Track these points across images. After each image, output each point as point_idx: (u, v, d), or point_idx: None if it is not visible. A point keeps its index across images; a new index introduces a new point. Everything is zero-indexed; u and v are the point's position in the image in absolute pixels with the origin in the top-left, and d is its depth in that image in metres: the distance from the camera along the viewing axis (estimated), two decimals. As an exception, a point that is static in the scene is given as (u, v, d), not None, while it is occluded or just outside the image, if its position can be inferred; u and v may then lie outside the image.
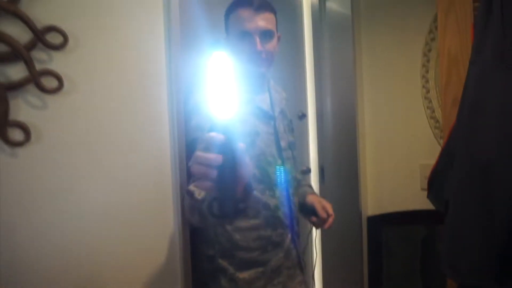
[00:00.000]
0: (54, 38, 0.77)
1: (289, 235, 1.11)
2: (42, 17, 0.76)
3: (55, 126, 0.78)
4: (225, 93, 0.59)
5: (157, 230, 0.98)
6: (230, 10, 1.05)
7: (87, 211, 0.83)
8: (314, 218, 1.17)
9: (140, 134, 0.93)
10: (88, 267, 0.83)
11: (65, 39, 0.78)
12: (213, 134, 0.58)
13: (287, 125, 1.17)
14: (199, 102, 1.02)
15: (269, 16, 1.04)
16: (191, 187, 0.92)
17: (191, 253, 1.05)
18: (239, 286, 1.03)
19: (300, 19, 1.83)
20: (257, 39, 1.01)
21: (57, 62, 0.78)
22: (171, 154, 1.00)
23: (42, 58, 0.77)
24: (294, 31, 1.80)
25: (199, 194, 0.86)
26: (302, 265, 1.16)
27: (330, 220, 1.15)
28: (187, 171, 1.00)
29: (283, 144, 1.11)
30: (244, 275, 1.03)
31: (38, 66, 0.76)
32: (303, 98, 1.85)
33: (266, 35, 1.03)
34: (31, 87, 0.75)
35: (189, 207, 0.91)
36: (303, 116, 1.82)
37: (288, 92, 1.72)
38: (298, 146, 1.50)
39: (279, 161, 1.09)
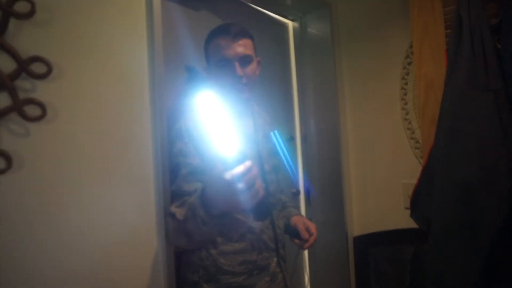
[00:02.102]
0: (38, 68, 0.79)
1: (275, 259, 1.11)
2: (27, 47, 0.77)
3: (37, 154, 0.79)
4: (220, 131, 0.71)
5: (141, 256, 0.97)
6: (209, 41, 1.09)
7: (69, 238, 0.82)
8: (297, 241, 1.17)
9: (123, 161, 0.94)
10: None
11: (49, 68, 0.80)
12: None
13: (270, 149, 1.19)
14: (181, 129, 1.03)
15: (247, 42, 1.07)
16: (173, 209, 0.93)
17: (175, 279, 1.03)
18: (225, 311, 1.01)
19: (287, 46, 1.89)
20: (237, 65, 1.04)
21: (41, 90, 0.80)
22: (155, 179, 1.00)
23: (26, 87, 0.78)
24: (282, 57, 1.85)
25: (180, 215, 0.88)
26: (288, 289, 1.16)
27: (311, 239, 1.15)
28: (171, 195, 1.01)
29: (267, 167, 1.12)
30: (229, 300, 1.02)
31: (22, 95, 0.77)
32: (292, 121, 1.89)
33: (245, 60, 1.06)
34: (14, 116, 0.76)
35: (174, 230, 0.93)
36: (291, 139, 1.85)
37: (277, 116, 1.75)
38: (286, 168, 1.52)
39: (263, 185, 1.10)
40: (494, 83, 1.12)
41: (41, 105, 0.78)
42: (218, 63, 1.05)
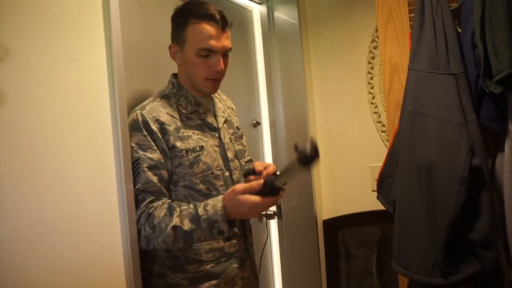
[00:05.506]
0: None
1: (243, 245, 1.10)
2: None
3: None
4: None
5: (104, 249, 0.92)
6: (187, 21, 0.99)
7: (22, 230, 0.77)
8: (252, 177, 1.08)
9: (81, 147, 0.88)
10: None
11: (-9, 49, 0.73)
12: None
13: (233, 134, 1.16)
14: (138, 120, 0.98)
15: (229, 32, 1.03)
16: (177, 223, 0.92)
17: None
18: (193, 300, 1.00)
19: (253, 30, 1.86)
20: (221, 59, 1.00)
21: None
22: (116, 165, 0.95)
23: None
24: (248, 41, 1.82)
25: (186, 226, 0.92)
26: (257, 274, 1.16)
27: (270, 169, 1.08)
28: (137, 193, 0.97)
29: (230, 155, 1.10)
30: (197, 288, 1.00)
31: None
32: (257, 106, 1.87)
33: (226, 54, 1.03)
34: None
35: (172, 238, 0.93)
36: (257, 124, 1.84)
37: (242, 100, 1.73)
38: (253, 153, 1.50)
39: (227, 173, 1.08)
40: (455, 67, 1.14)
41: (-18, 90, 0.72)
42: (200, 52, 0.99)
